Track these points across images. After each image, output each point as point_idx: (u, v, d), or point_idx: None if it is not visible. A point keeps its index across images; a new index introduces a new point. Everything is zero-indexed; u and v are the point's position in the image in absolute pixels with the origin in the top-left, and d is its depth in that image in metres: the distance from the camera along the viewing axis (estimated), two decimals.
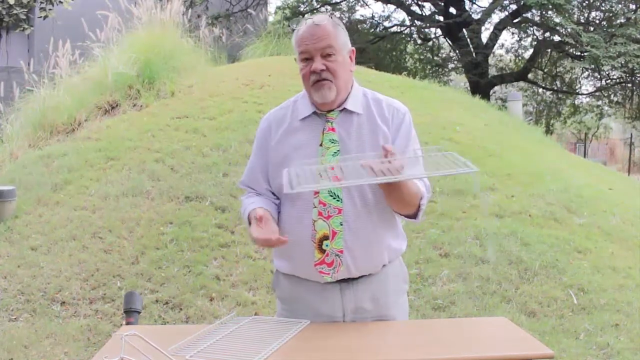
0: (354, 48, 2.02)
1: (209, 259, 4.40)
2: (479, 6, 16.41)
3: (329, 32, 1.92)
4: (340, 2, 15.99)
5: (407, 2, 15.55)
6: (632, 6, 13.84)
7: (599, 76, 15.64)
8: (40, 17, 7.67)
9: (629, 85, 15.58)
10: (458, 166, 1.68)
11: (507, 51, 17.77)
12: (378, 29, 16.42)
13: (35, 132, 6.28)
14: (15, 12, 7.28)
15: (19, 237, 4.58)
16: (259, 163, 2.04)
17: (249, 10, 13.35)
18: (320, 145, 1.95)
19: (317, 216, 1.91)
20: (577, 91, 17.49)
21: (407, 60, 17.87)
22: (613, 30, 12.97)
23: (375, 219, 1.94)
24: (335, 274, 1.93)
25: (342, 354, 1.69)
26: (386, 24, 16.72)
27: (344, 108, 1.98)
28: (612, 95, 16.41)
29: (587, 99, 17.86)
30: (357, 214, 1.92)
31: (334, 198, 1.91)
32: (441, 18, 15.14)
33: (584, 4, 14.40)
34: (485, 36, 15.19)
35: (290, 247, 1.95)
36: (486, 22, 15.17)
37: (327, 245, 1.91)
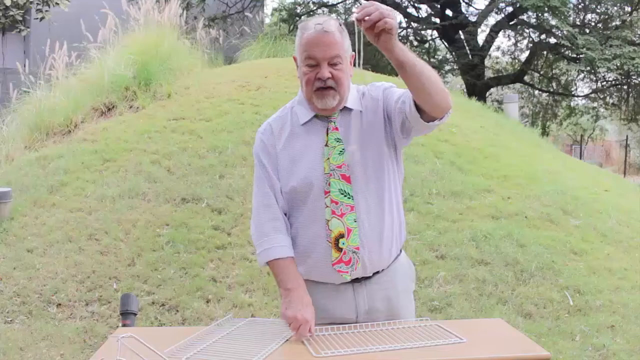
0: (354, 53, 2.02)
1: (205, 260, 4.40)
2: (475, 8, 16.47)
3: (338, 40, 1.92)
4: (337, 4, 16.01)
5: (404, 4, 15.57)
6: (628, 8, 13.89)
7: (594, 78, 15.69)
8: (37, 18, 7.66)
9: (625, 87, 15.62)
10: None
11: (504, 53, 17.83)
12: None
13: (31, 133, 6.26)
14: (11, 13, 7.27)
15: (14, 239, 4.57)
16: (271, 168, 2.00)
17: (245, 12, 13.36)
18: (326, 145, 1.97)
19: (331, 215, 1.93)
20: (573, 93, 17.52)
21: None
22: (608, 32, 13.02)
23: (386, 211, 1.97)
24: (354, 272, 1.94)
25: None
26: None
27: (344, 107, 2.00)
28: (607, 97, 16.44)
29: (583, 101, 17.90)
30: (368, 210, 1.94)
31: (345, 196, 1.93)
32: (437, 20, 15.17)
33: (580, 7, 14.44)
34: (481, 38, 15.23)
35: (305, 249, 1.97)
36: (482, 24, 15.22)
37: (343, 244, 1.93)
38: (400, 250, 2.09)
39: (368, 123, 1.99)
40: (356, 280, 1.97)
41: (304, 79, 1.94)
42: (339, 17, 15.91)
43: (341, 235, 1.93)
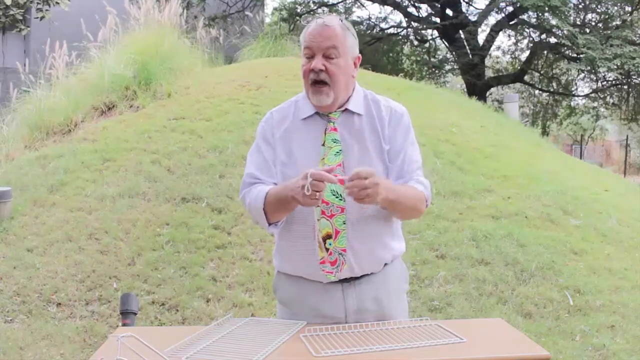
0: (360, 55, 2.01)
1: (205, 260, 4.40)
2: (475, 8, 16.49)
3: (337, 34, 1.92)
4: (337, 3, 16.00)
5: (404, 4, 15.56)
6: (628, 8, 13.88)
7: (595, 78, 15.68)
8: (37, 17, 7.66)
9: (625, 87, 15.61)
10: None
11: (504, 53, 17.83)
12: (375, 31, 16.43)
13: (31, 133, 6.26)
14: (11, 12, 7.27)
15: (14, 239, 4.57)
16: (269, 154, 2.01)
17: (245, 11, 13.36)
18: (323, 144, 1.96)
19: (320, 215, 1.92)
20: (573, 93, 17.51)
21: (403, 61, 17.88)
22: (609, 32, 13.02)
23: (377, 217, 1.96)
24: (339, 273, 1.94)
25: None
26: (383, 25, 16.74)
27: (346, 109, 1.99)
28: (608, 97, 16.44)
29: (583, 101, 17.89)
30: (359, 213, 1.93)
31: (337, 197, 1.92)
32: (438, 20, 15.17)
33: (580, 6, 14.44)
34: (481, 38, 15.22)
35: (294, 245, 1.97)
36: (482, 24, 15.22)
37: (330, 244, 1.92)
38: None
39: (370, 129, 1.98)
40: (345, 280, 1.96)
41: (302, 71, 1.96)
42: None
43: (329, 236, 1.92)
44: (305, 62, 1.95)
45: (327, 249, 1.92)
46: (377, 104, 2.03)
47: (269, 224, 1.97)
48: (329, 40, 1.90)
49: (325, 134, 1.96)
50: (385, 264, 2.01)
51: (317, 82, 1.92)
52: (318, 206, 1.90)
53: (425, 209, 1.99)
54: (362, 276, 1.97)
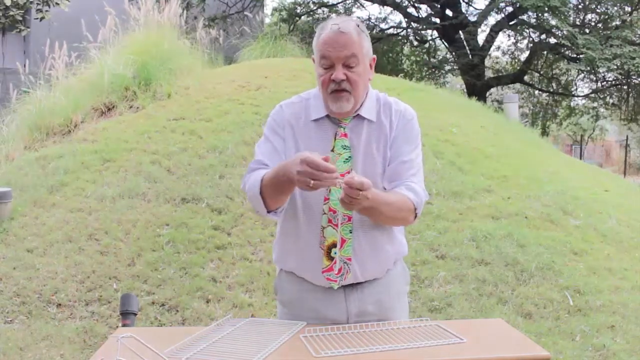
0: (375, 56, 1.98)
1: (205, 260, 4.40)
2: (475, 8, 16.49)
3: (354, 40, 1.86)
4: (337, 4, 16.01)
5: (404, 4, 15.57)
6: (628, 8, 13.89)
7: (594, 78, 15.68)
8: (37, 18, 7.66)
9: (625, 87, 15.62)
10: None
11: (504, 53, 17.84)
12: (375, 31, 16.43)
13: (31, 133, 6.26)
14: (11, 13, 7.27)
15: (14, 239, 4.57)
16: (278, 143, 1.95)
17: (245, 12, 13.37)
18: (332, 150, 1.92)
19: (327, 223, 1.90)
20: (573, 93, 17.52)
21: (403, 62, 17.88)
22: (609, 32, 13.03)
23: (383, 226, 1.94)
24: (343, 281, 1.93)
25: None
26: (383, 26, 16.74)
27: (358, 114, 1.95)
28: (607, 97, 16.44)
29: (583, 101, 17.89)
30: (366, 222, 1.91)
31: None
32: (437, 20, 15.17)
33: (580, 7, 14.45)
34: (481, 38, 15.23)
35: (298, 252, 1.96)
36: (482, 24, 15.22)
37: (335, 253, 1.90)
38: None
39: (379, 135, 1.95)
40: (348, 285, 1.95)
41: (319, 80, 1.91)
42: None
43: (334, 245, 1.90)
44: (323, 72, 1.88)
45: (331, 258, 1.90)
46: (388, 107, 1.98)
47: (268, 211, 1.88)
48: (347, 49, 1.85)
49: (335, 139, 1.93)
50: (388, 269, 2.01)
51: (337, 90, 1.87)
52: (325, 214, 1.89)
53: (414, 218, 1.93)
54: (364, 282, 1.97)
